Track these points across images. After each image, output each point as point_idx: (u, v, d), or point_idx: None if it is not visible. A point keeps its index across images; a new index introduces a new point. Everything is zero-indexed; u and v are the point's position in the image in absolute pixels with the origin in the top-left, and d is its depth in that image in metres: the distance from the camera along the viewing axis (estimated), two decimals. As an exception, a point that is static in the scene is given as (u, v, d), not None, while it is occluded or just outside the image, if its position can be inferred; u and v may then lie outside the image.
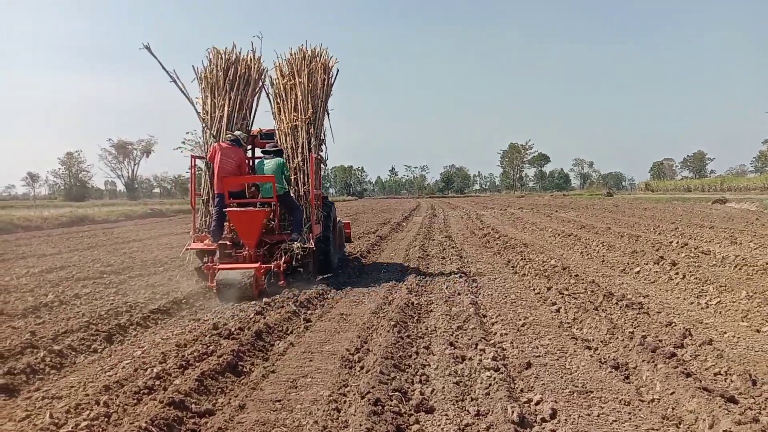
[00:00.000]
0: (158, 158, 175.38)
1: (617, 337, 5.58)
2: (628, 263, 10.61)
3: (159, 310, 7.54)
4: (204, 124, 10.20)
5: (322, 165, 11.10)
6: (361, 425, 3.52)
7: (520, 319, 6.79)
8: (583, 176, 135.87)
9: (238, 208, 9.09)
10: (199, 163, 10.54)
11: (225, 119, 10.01)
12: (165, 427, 3.63)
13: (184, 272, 10.79)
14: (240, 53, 10.49)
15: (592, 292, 7.99)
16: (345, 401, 4.21)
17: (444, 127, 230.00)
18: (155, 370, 4.94)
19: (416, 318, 6.82)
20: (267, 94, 10.71)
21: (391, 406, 3.88)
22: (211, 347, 5.63)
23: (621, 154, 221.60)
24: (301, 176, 10.02)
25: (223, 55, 10.35)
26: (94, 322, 6.89)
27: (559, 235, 16.80)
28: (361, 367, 4.90)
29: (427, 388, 4.46)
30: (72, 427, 3.71)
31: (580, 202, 47.80)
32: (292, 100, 10.31)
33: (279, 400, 4.24)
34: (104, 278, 10.44)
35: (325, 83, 10.52)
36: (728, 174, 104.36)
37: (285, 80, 10.43)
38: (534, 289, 8.67)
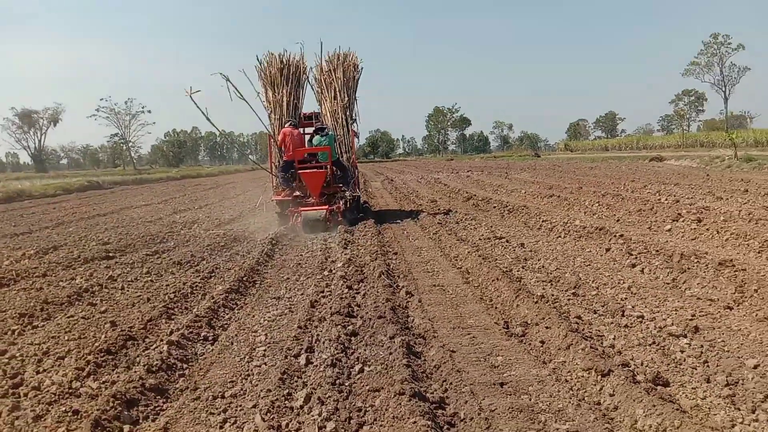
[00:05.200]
0: (65, 128, 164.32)
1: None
2: (652, 221, 10.40)
3: (231, 290, 6.98)
4: (268, 111, 13.53)
5: (355, 138, 14.20)
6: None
7: (623, 282, 6.79)
8: (502, 138, 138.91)
9: (308, 170, 12.53)
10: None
11: (285, 107, 13.25)
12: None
13: (204, 248, 10.37)
14: (289, 56, 13.64)
15: (657, 251, 7.69)
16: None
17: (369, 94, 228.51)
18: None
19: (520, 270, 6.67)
20: (311, 86, 14.16)
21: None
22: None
23: (537, 117, 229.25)
24: (343, 147, 13.57)
25: (277, 58, 13.52)
26: (176, 300, 6.38)
27: (539, 196, 16.57)
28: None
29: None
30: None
31: (514, 163, 48.28)
32: (332, 91, 13.64)
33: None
34: (116, 258, 9.61)
35: (355, 77, 13.84)
36: (637, 133, 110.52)
37: (325, 76, 13.81)
38: (590, 251, 8.71)
